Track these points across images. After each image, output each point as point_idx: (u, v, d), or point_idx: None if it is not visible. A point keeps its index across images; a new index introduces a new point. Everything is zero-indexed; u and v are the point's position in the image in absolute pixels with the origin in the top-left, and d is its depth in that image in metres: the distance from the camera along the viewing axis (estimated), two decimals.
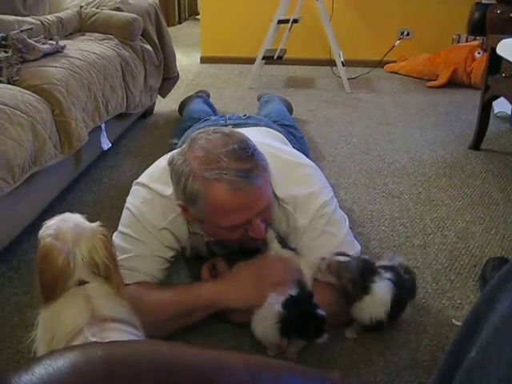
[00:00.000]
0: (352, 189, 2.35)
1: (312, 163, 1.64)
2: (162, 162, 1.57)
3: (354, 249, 1.51)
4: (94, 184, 2.38)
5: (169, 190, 1.45)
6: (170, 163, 1.40)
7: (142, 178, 1.57)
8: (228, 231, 1.38)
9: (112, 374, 0.55)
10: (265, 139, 1.69)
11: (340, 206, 1.61)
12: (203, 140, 1.35)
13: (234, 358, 0.62)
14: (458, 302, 1.60)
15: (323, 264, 1.41)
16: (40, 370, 0.54)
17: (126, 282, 1.39)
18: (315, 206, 1.47)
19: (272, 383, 0.58)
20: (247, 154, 1.32)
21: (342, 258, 1.41)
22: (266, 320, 1.29)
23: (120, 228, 1.51)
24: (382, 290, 1.36)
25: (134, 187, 1.57)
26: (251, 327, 1.35)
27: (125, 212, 1.53)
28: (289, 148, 1.84)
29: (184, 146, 1.40)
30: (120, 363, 0.56)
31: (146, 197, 1.49)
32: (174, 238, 1.50)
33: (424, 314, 1.54)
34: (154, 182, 1.52)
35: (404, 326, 1.49)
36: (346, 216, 1.57)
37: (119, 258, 1.41)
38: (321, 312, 1.27)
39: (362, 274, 1.38)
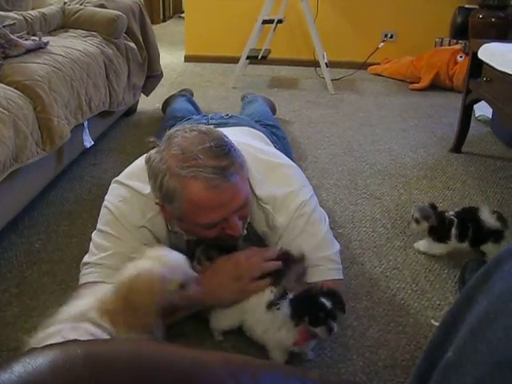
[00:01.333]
0: (334, 190, 2.36)
1: (291, 163, 1.64)
2: (142, 160, 1.56)
3: (334, 248, 1.52)
4: (75, 182, 2.37)
5: (147, 189, 1.44)
6: (147, 161, 1.40)
7: (121, 177, 1.56)
8: (205, 229, 1.38)
9: (92, 371, 0.54)
10: (245, 139, 1.69)
11: (321, 207, 1.61)
12: (180, 138, 1.35)
13: (214, 356, 0.62)
14: (437, 302, 1.62)
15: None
16: (19, 368, 0.54)
17: (107, 281, 1.39)
18: (294, 206, 1.48)
19: (251, 382, 0.59)
20: (223, 152, 1.32)
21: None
22: (273, 323, 1.31)
23: (99, 226, 1.50)
24: None
25: (112, 185, 1.56)
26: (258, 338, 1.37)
27: (103, 210, 1.52)
28: (269, 148, 1.84)
29: (160, 143, 1.40)
30: (100, 361, 0.56)
31: (124, 195, 1.49)
32: (152, 236, 1.49)
33: (403, 315, 1.56)
34: (132, 180, 1.51)
35: (383, 326, 1.50)
36: (325, 215, 1.57)
37: (99, 256, 1.42)
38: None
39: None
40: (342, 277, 1.52)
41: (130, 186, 1.50)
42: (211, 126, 1.94)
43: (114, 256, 1.43)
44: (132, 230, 1.46)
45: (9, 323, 1.48)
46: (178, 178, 1.30)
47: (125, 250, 1.44)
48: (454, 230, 1.81)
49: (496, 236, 1.78)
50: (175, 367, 0.58)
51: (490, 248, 1.79)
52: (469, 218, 1.83)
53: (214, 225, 1.36)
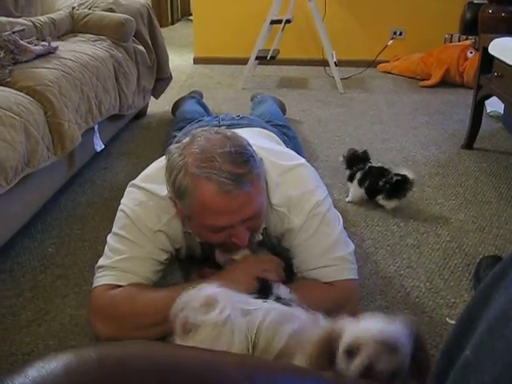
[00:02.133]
0: (346, 189, 2.35)
1: (306, 162, 1.63)
2: (158, 163, 1.57)
3: (348, 248, 1.51)
4: (87, 185, 2.38)
5: (164, 191, 1.44)
6: (167, 154, 1.40)
7: (138, 180, 1.56)
8: (211, 232, 1.38)
9: (106, 375, 0.54)
10: (258, 140, 1.68)
11: (334, 206, 1.61)
12: (203, 138, 1.35)
13: (229, 358, 0.62)
14: (452, 300, 1.61)
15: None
16: (33, 372, 0.54)
17: (120, 284, 1.39)
18: (309, 206, 1.47)
19: (265, 382, 0.58)
20: (242, 159, 1.31)
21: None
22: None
23: (114, 229, 1.50)
24: None
25: (128, 189, 1.56)
26: None
27: (119, 214, 1.52)
28: (282, 148, 1.84)
29: (184, 140, 1.40)
30: (114, 364, 0.56)
31: (140, 199, 1.49)
32: (168, 240, 1.49)
33: (418, 313, 1.55)
34: (148, 183, 1.51)
35: None
36: (339, 215, 1.57)
37: (114, 260, 1.42)
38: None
39: None
40: (356, 276, 1.51)
41: (146, 189, 1.50)
42: (223, 127, 1.96)
43: (129, 260, 1.43)
44: (148, 234, 1.45)
45: (23, 327, 1.49)
46: (192, 176, 1.30)
47: (140, 254, 1.44)
48: (358, 175, 2.22)
49: (388, 192, 2.12)
50: (189, 370, 0.58)
51: (381, 201, 2.16)
52: (376, 171, 2.21)
53: (220, 229, 1.36)
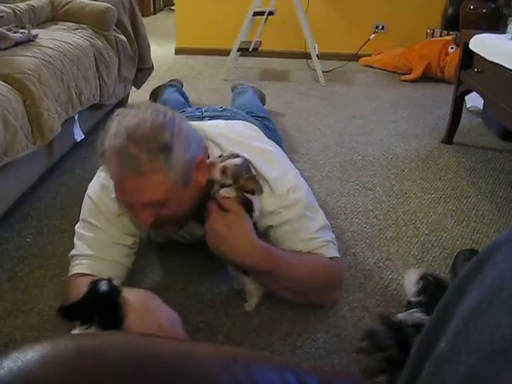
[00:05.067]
0: (326, 181, 2.36)
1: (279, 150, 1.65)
2: None
3: (321, 221, 1.53)
4: (66, 176, 2.36)
5: None
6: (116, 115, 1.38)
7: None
8: (126, 207, 1.39)
9: (82, 365, 0.54)
10: (242, 131, 1.69)
11: (315, 199, 1.62)
12: (142, 111, 1.32)
13: (205, 348, 0.62)
14: None
15: (218, 169, 1.38)
16: (9, 363, 0.53)
17: (91, 272, 1.39)
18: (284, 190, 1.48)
19: (243, 373, 0.58)
20: (152, 146, 1.27)
21: (236, 161, 1.39)
22: None
23: (81, 216, 1.51)
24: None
25: (97, 173, 1.56)
26: None
27: (85, 200, 1.52)
28: (262, 136, 1.83)
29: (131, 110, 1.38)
30: (90, 355, 0.56)
31: (104, 183, 1.47)
32: (132, 223, 1.48)
33: (396, 305, 1.56)
34: None
35: (377, 317, 1.50)
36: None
37: (82, 247, 1.44)
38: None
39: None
40: (337, 252, 1.54)
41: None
42: (206, 119, 1.96)
43: (96, 247, 1.43)
44: (111, 218, 1.45)
45: (0, 318, 1.48)
46: (107, 146, 1.30)
47: (105, 239, 1.44)
48: None
49: None
50: (166, 360, 0.58)
51: None
52: None
53: (126, 205, 1.37)
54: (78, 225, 1.50)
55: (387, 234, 1.95)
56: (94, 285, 1.19)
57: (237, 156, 1.41)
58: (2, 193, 1.83)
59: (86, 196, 1.52)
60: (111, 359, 0.56)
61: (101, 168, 1.55)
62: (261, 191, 1.42)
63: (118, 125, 1.29)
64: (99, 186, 1.49)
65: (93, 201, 1.48)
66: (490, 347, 0.52)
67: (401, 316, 1.24)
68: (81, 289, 1.27)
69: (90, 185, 1.54)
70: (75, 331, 1.15)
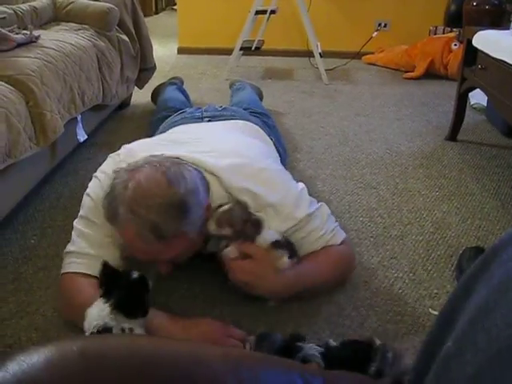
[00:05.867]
0: (330, 180, 2.35)
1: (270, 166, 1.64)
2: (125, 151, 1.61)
3: (316, 204, 1.57)
4: (70, 176, 2.35)
5: None
6: (115, 173, 1.39)
7: (104, 165, 1.60)
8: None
9: (87, 368, 0.54)
10: (242, 145, 1.70)
11: (318, 198, 1.62)
12: (148, 173, 1.33)
13: (212, 351, 0.62)
14: (435, 291, 1.62)
15: (211, 222, 1.41)
16: (14, 367, 0.53)
17: (88, 272, 1.41)
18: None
19: (249, 375, 0.58)
20: (172, 215, 1.31)
21: (225, 207, 1.42)
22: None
23: (81, 213, 1.52)
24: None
25: (95, 174, 1.59)
26: None
27: (85, 198, 1.54)
28: (260, 145, 1.82)
29: (132, 163, 1.40)
30: (95, 358, 0.55)
31: (104, 184, 1.48)
32: None
33: (401, 304, 1.55)
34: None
35: (382, 316, 1.50)
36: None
37: (80, 245, 1.45)
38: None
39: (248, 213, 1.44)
40: (343, 233, 1.62)
41: (108, 173, 1.51)
42: (205, 121, 1.96)
43: (95, 246, 1.45)
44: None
45: (5, 319, 1.48)
46: (121, 214, 1.31)
47: (105, 238, 1.45)
48: None
49: None
50: (173, 363, 0.58)
51: None
52: None
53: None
54: (76, 221, 1.52)
55: (392, 232, 1.95)
56: (128, 271, 1.25)
57: (222, 205, 1.43)
58: (5, 194, 1.83)
59: (85, 195, 1.54)
60: (116, 362, 0.55)
61: (100, 169, 1.57)
62: (260, 231, 1.44)
63: (130, 193, 1.30)
64: (99, 186, 1.51)
65: (92, 199, 1.49)
66: (498, 346, 0.51)
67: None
68: (84, 289, 1.31)
69: (90, 184, 1.56)
70: (96, 303, 1.20)
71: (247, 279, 1.40)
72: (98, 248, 1.44)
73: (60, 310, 1.48)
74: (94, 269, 1.37)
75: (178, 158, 1.46)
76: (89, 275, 1.41)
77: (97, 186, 1.52)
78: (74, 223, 1.51)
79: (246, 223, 1.42)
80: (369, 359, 1.15)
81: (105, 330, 1.14)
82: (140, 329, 1.19)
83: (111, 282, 1.23)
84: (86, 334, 1.16)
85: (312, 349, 1.20)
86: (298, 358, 1.17)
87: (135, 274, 1.24)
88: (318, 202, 1.61)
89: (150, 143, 1.73)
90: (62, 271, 1.46)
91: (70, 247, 1.48)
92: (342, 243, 1.58)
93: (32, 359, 0.54)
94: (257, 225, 1.43)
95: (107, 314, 1.17)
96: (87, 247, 1.44)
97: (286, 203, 1.50)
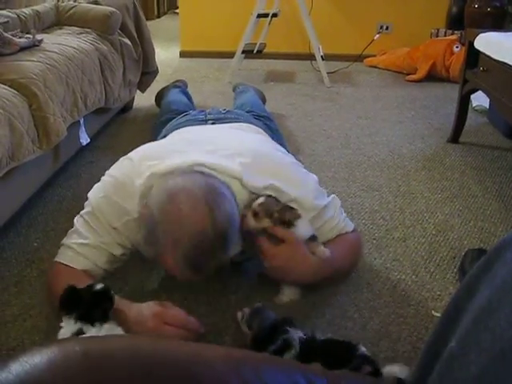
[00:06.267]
0: (332, 182, 2.35)
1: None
2: (133, 158, 1.59)
3: (328, 196, 1.63)
4: (73, 180, 2.36)
5: (132, 187, 1.46)
6: (149, 187, 1.38)
7: (114, 169, 1.60)
8: None
9: (90, 369, 0.54)
10: (253, 143, 1.71)
11: None
12: (188, 199, 1.29)
13: (215, 351, 0.62)
14: (438, 293, 1.61)
15: (250, 217, 1.43)
16: (17, 367, 0.53)
17: (72, 265, 1.46)
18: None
19: (252, 375, 0.58)
20: (215, 251, 1.30)
21: (260, 200, 1.43)
22: None
23: (82, 212, 1.54)
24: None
25: (102, 179, 1.59)
26: None
27: (87, 202, 1.55)
28: (267, 144, 1.83)
29: (165, 179, 1.37)
30: (98, 358, 0.55)
31: (107, 191, 1.51)
32: (126, 239, 1.50)
33: (404, 306, 1.55)
34: (123, 174, 1.53)
35: (384, 318, 1.50)
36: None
37: (73, 241, 1.49)
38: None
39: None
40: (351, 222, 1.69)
41: (117, 181, 1.51)
42: (210, 122, 1.97)
43: (87, 246, 1.47)
44: (107, 227, 1.48)
45: (8, 322, 1.48)
46: (165, 241, 1.30)
47: (97, 243, 1.47)
48: None
49: None
50: (175, 363, 0.58)
51: None
52: None
53: None
54: (77, 217, 1.54)
55: (394, 234, 1.94)
56: (91, 285, 1.28)
57: (257, 197, 1.45)
58: (9, 197, 1.83)
59: (88, 197, 1.55)
60: (120, 363, 0.55)
61: (108, 173, 1.57)
62: (299, 216, 1.47)
63: (171, 226, 1.28)
64: (101, 192, 1.52)
65: (92, 206, 1.50)
66: (501, 346, 0.51)
67: None
68: (66, 279, 1.35)
69: (95, 188, 1.56)
70: (62, 324, 1.23)
71: (283, 264, 1.43)
72: (87, 249, 1.47)
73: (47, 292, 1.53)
74: (78, 264, 1.46)
75: (202, 164, 1.44)
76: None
77: (100, 193, 1.52)
78: (75, 220, 1.55)
79: (282, 211, 1.44)
80: (344, 362, 1.15)
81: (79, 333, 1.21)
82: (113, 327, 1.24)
83: (73, 303, 1.25)
84: None
85: (295, 334, 1.22)
86: (281, 339, 1.20)
87: (98, 286, 1.27)
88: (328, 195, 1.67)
89: (164, 145, 1.73)
90: (55, 259, 1.52)
91: (64, 239, 1.53)
92: (353, 230, 1.66)
93: (35, 360, 0.54)
94: (293, 211, 1.46)
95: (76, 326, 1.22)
96: (78, 245, 1.48)
97: (307, 196, 1.53)
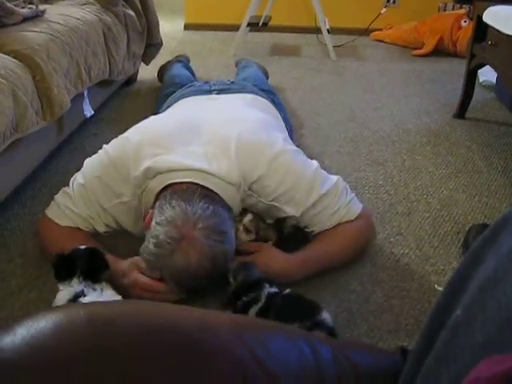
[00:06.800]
0: (337, 157, 2.34)
1: (285, 147, 1.62)
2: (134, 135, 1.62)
3: (332, 180, 1.60)
4: (76, 152, 2.35)
5: (129, 170, 1.50)
6: (161, 221, 1.36)
7: (112, 146, 1.62)
8: None
9: (95, 333, 0.54)
10: (253, 123, 1.69)
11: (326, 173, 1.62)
12: (194, 250, 1.31)
13: (219, 318, 0.62)
14: (441, 268, 1.62)
15: (242, 232, 1.53)
16: (22, 331, 0.53)
17: (59, 222, 1.57)
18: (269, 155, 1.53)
19: (256, 341, 0.58)
20: (209, 273, 1.33)
21: (250, 217, 1.55)
22: None
23: (76, 178, 1.61)
24: None
25: (99, 152, 1.63)
26: None
27: (83, 170, 1.61)
28: (270, 120, 1.82)
29: (175, 217, 1.35)
30: (103, 323, 0.56)
31: (101, 171, 1.55)
32: (114, 221, 1.57)
33: (407, 280, 1.56)
34: (119, 152, 1.56)
35: (387, 292, 1.50)
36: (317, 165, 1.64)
37: (64, 202, 1.58)
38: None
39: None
40: (360, 204, 1.64)
41: (112, 161, 1.55)
42: (214, 92, 1.95)
43: (75, 213, 1.56)
44: (96, 205, 1.54)
45: (13, 292, 1.49)
46: (167, 276, 1.35)
47: (86, 216, 1.56)
48: None
49: None
50: (180, 329, 0.58)
51: None
52: None
53: None
54: (73, 180, 1.61)
55: (398, 209, 1.94)
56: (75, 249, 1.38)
57: (246, 213, 1.54)
58: (13, 169, 1.83)
59: (84, 165, 1.62)
60: (123, 328, 0.56)
61: (105, 149, 1.59)
62: (274, 239, 1.55)
63: (176, 268, 1.31)
64: (97, 176, 1.55)
65: (86, 185, 1.55)
66: (507, 314, 0.51)
67: None
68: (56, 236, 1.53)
69: (91, 162, 1.61)
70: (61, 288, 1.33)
71: (263, 270, 1.42)
72: (74, 215, 1.56)
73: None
74: (65, 222, 1.56)
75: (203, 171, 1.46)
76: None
77: (95, 172, 1.57)
78: (72, 178, 1.63)
79: (266, 231, 1.55)
80: (297, 319, 1.22)
81: (77, 296, 1.28)
82: (108, 287, 1.34)
83: (67, 268, 1.34)
84: None
85: (267, 291, 1.30)
86: (256, 293, 1.29)
87: (82, 247, 1.38)
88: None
89: (166, 128, 1.68)
90: (46, 210, 1.62)
91: (58, 196, 1.63)
92: (359, 216, 1.60)
93: (40, 324, 0.54)
94: (273, 232, 1.56)
95: (77, 286, 1.31)
96: (67, 208, 1.56)
97: (299, 187, 1.52)
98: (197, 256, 1.29)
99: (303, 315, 1.24)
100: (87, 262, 1.34)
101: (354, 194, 1.65)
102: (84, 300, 1.24)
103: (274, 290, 1.32)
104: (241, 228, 1.52)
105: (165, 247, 1.30)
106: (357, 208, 1.61)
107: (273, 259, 1.46)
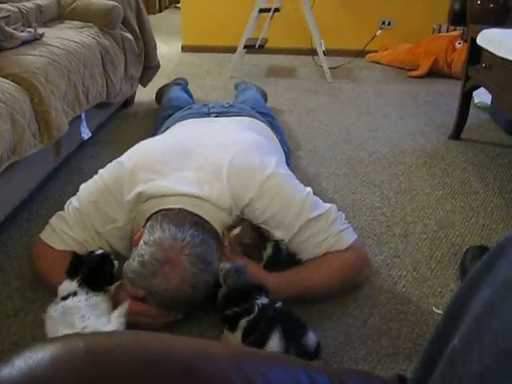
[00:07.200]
0: (333, 178, 2.35)
1: (276, 169, 1.61)
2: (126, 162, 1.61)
3: (324, 207, 1.57)
4: (74, 174, 2.36)
5: (122, 198, 1.51)
6: (148, 241, 1.37)
7: (105, 173, 1.62)
8: None
9: (93, 364, 0.54)
10: (250, 148, 1.68)
11: (321, 196, 1.62)
12: (176, 274, 1.31)
13: (217, 347, 0.62)
14: (439, 290, 1.62)
15: (228, 246, 1.50)
16: (20, 363, 0.53)
17: (53, 246, 1.56)
18: (260, 177, 1.53)
19: (254, 371, 0.58)
20: (187, 296, 1.33)
21: (236, 231, 1.50)
22: None
23: (73, 201, 1.60)
24: None
25: (94, 178, 1.63)
26: None
27: (79, 195, 1.61)
28: (265, 146, 1.82)
29: (158, 253, 1.34)
30: (101, 354, 0.56)
31: (97, 196, 1.55)
32: (108, 245, 1.56)
33: (405, 302, 1.55)
34: (114, 183, 1.56)
35: (385, 314, 1.50)
36: (310, 190, 1.61)
37: (59, 227, 1.57)
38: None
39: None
40: (355, 235, 1.59)
41: (108, 188, 1.55)
42: (212, 116, 1.96)
43: (70, 237, 1.55)
44: (91, 230, 1.54)
45: (10, 316, 1.48)
46: (147, 294, 1.34)
47: (81, 240, 1.54)
48: None
49: None
50: (178, 359, 0.58)
51: None
52: None
53: None
54: (68, 204, 1.61)
55: (395, 230, 1.94)
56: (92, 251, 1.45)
57: (234, 227, 1.51)
58: (10, 191, 1.83)
59: (80, 190, 1.62)
60: (122, 358, 0.55)
61: (100, 174, 1.61)
62: (259, 259, 1.52)
63: (156, 288, 1.31)
64: (93, 201, 1.56)
65: (81, 209, 1.56)
66: (504, 345, 0.51)
67: None
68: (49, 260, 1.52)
69: (87, 188, 1.62)
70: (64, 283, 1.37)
71: None
72: (69, 238, 1.55)
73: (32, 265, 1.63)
74: (59, 246, 1.55)
75: (197, 197, 1.47)
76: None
77: (90, 196, 1.58)
78: (67, 203, 1.62)
79: (252, 245, 1.52)
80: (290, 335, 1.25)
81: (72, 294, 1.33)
82: (104, 300, 1.36)
83: (76, 266, 1.39)
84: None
85: (259, 303, 1.29)
86: (248, 304, 1.29)
87: (99, 251, 1.43)
88: (327, 202, 1.62)
89: (160, 153, 1.68)
90: (41, 233, 1.62)
91: (53, 219, 1.62)
92: (350, 247, 1.54)
93: (38, 356, 0.54)
94: (260, 246, 1.53)
95: (75, 287, 1.35)
96: (63, 232, 1.56)
97: (288, 211, 1.51)
98: (178, 280, 1.29)
99: (290, 336, 1.25)
100: (91, 268, 1.38)
101: (349, 225, 1.60)
102: (71, 300, 1.31)
103: (265, 300, 1.31)
104: (228, 244, 1.51)
105: (148, 267, 1.30)
106: (348, 238, 1.55)
107: (250, 270, 1.44)
